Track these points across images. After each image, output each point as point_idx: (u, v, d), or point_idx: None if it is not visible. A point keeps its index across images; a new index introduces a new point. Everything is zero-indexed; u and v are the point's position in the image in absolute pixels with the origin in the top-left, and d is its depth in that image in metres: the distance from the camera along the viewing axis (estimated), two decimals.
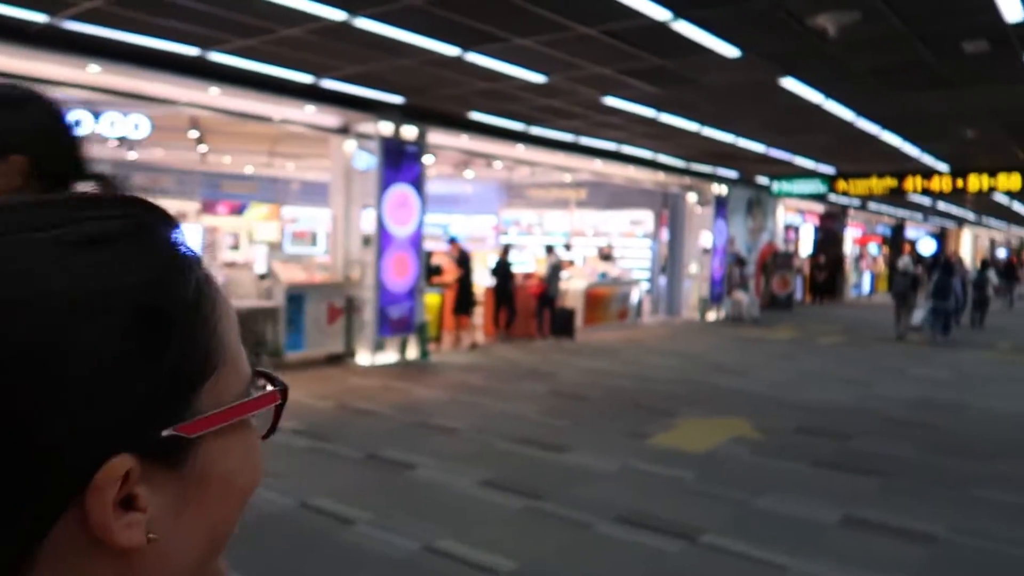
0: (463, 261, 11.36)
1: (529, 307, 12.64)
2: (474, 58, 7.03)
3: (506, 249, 12.70)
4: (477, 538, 4.17)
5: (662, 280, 17.80)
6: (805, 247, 25.28)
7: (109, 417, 0.37)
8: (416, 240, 10.07)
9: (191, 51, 6.80)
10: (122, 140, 9.42)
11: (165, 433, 0.39)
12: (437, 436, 6.32)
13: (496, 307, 12.48)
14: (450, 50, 6.73)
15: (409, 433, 6.39)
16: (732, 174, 16.88)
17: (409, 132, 9.83)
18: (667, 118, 9.97)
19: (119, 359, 0.37)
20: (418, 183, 10.05)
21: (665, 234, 17.76)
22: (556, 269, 12.49)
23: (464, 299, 11.21)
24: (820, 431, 6.85)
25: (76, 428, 0.36)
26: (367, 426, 6.60)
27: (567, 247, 17.87)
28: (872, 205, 25.14)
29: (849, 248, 26.81)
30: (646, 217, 17.82)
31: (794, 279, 21.31)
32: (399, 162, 9.76)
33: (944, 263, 14.69)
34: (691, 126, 10.58)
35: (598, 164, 13.77)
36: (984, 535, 4.41)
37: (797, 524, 4.54)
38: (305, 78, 7.93)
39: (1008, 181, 13.04)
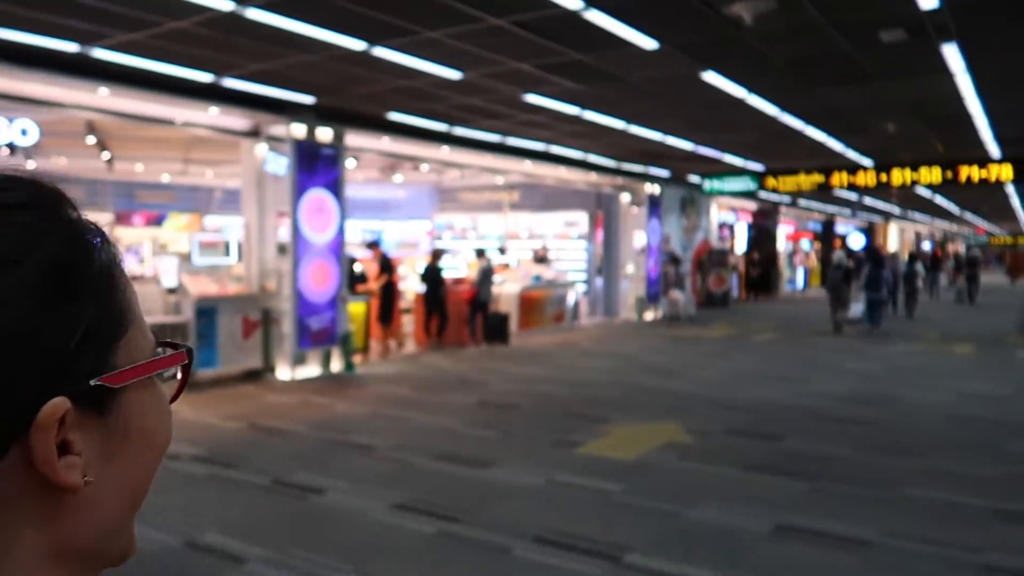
0: (385, 267, 10.93)
1: (461, 313, 12.29)
2: (383, 53, 6.65)
3: (436, 254, 12.32)
4: (381, 571, 3.80)
5: (599, 281, 17.66)
6: (740, 244, 25.56)
7: (40, 361, 0.41)
8: (336, 247, 9.61)
9: (69, 47, 6.25)
10: (12, 148, 8.70)
11: (92, 382, 0.43)
12: (353, 455, 5.90)
13: (427, 314, 12.09)
14: (355, 44, 6.34)
15: (323, 453, 5.96)
16: (664, 173, 16.84)
17: (324, 134, 9.37)
18: (592, 116, 9.75)
19: (41, 309, 0.41)
20: (336, 187, 9.59)
21: (600, 235, 17.64)
22: (487, 273, 12.17)
23: (388, 306, 10.79)
24: (753, 432, 6.67)
25: (11, 371, 0.39)
26: (278, 448, 6.14)
27: (502, 250, 17.60)
28: (802, 202, 25.60)
29: (782, 244, 27.24)
30: (580, 218, 17.66)
31: (730, 276, 21.46)
32: (315, 166, 9.29)
33: (874, 256, 15.25)
34: (617, 124, 10.39)
35: (528, 165, 13.51)
36: (916, 538, 4.23)
37: (727, 536, 4.29)
38: (204, 76, 7.42)
39: (929, 175, 13.25)
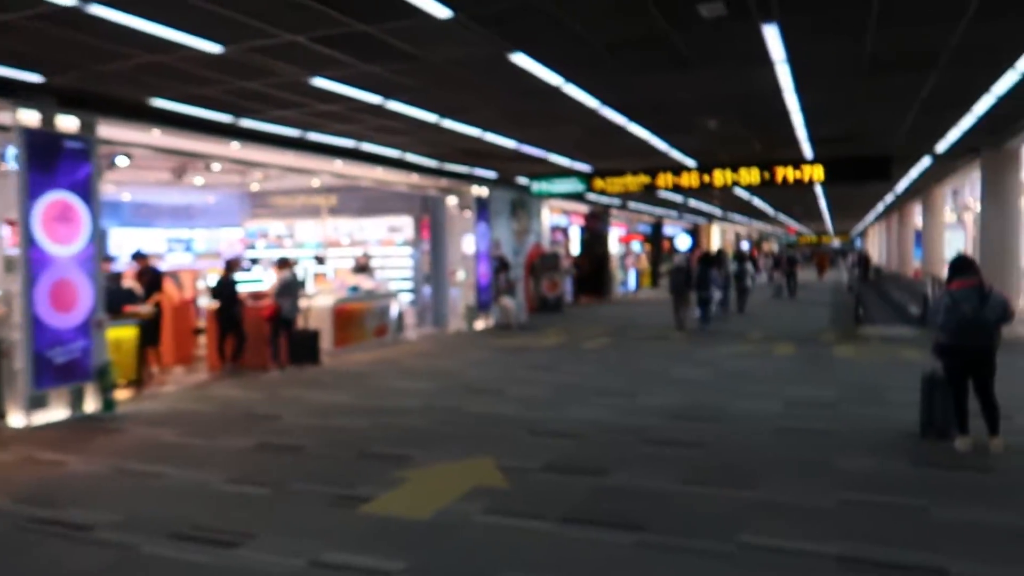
0: (154, 283, 9.25)
1: (263, 332, 10.77)
2: (103, 12, 5.19)
3: (230, 266, 10.74)
4: None
5: (427, 290, 16.58)
6: (575, 248, 25.41)
7: None
8: (86, 261, 7.87)
9: None
10: None
11: None
12: (56, 542, 4.42)
13: (221, 335, 10.49)
14: None
15: (13, 542, 4.43)
16: (491, 174, 16.05)
17: (67, 123, 7.64)
18: (397, 106, 8.64)
19: None
20: (86, 189, 7.86)
21: (427, 240, 16.56)
22: (289, 286, 10.73)
23: (154, 329, 9.15)
24: (574, 466, 5.80)
25: None
26: None
27: (320, 259, 16.11)
28: (632, 204, 25.82)
29: (615, 247, 27.42)
30: (405, 223, 16.51)
31: (563, 280, 21.09)
32: (54, 162, 7.53)
33: (702, 257, 15.81)
34: (429, 117, 9.35)
35: (338, 164, 12.19)
36: None
37: None
38: None
39: (748, 175, 13.27)
